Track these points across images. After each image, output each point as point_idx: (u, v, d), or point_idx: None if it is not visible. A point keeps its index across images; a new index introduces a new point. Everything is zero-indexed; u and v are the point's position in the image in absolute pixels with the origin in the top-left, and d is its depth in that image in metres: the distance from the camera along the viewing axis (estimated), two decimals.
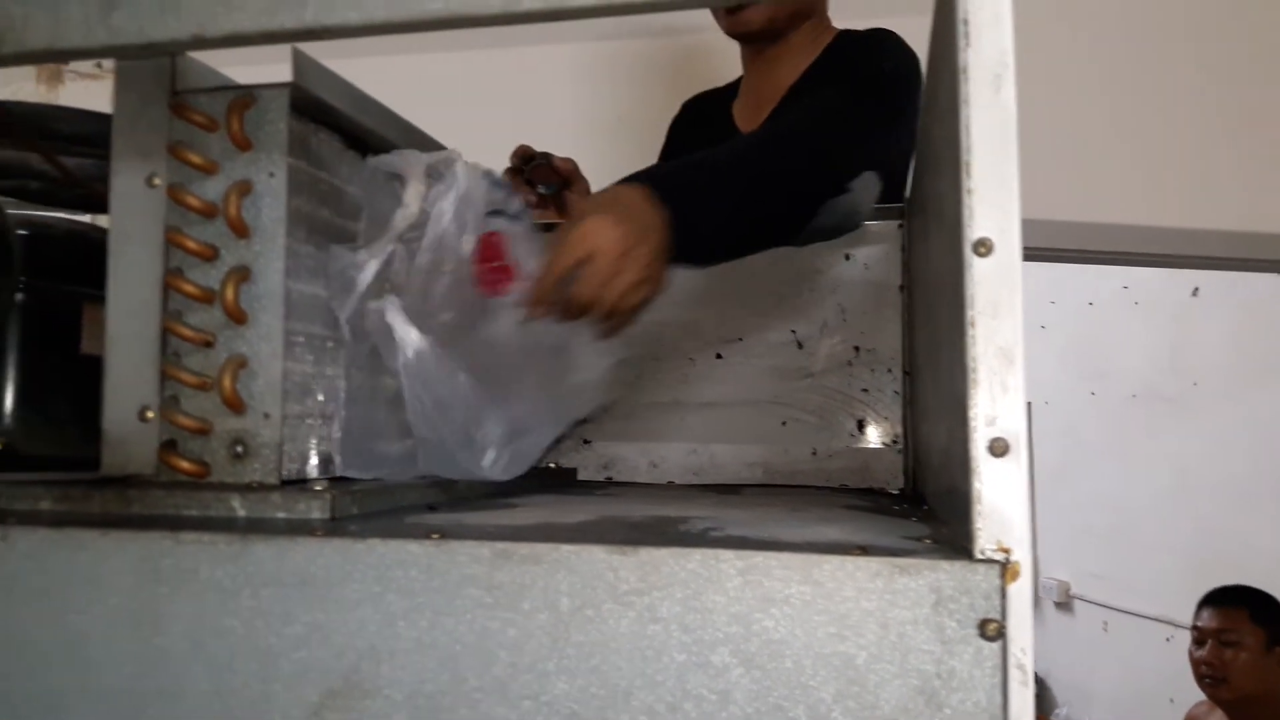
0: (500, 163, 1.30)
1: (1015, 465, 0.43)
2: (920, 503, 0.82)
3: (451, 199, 0.71)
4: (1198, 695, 2.66)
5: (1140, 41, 2.54)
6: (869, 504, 0.78)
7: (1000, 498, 0.43)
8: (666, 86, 2.39)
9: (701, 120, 1.58)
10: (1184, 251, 2.70)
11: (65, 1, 0.54)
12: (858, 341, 1.08)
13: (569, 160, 1.35)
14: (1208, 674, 2.54)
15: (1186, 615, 2.72)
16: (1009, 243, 0.43)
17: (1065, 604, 4.41)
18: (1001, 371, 0.43)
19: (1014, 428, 0.43)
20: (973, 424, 0.43)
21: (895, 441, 1.06)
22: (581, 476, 1.10)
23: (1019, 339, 0.43)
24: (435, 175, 0.73)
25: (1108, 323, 3.81)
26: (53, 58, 0.55)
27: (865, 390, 1.08)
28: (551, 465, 1.08)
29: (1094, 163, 2.35)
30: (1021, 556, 0.43)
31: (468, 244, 0.74)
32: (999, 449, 0.43)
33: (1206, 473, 3.70)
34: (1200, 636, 2.58)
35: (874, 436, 1.07)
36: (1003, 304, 0.43)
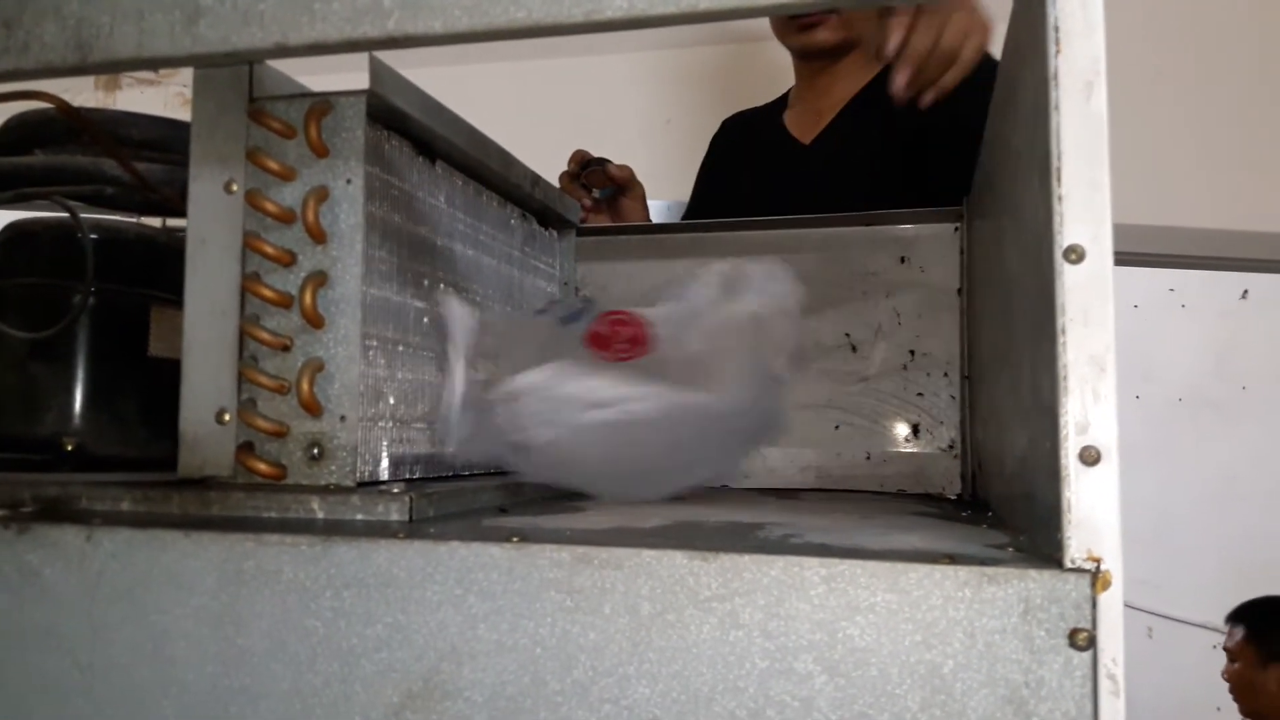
0: (556, 165, 1.32)
1: (1107, 474, 0.43)
2: (983, 509, 0.81)
3: None
4: None
5: (1187, 41, 2.51)
6: (935, 510, 0.77)
7: (1091, 507, 0.43)
8: (710, 92, 2.39)
9: (750, 135, 1.60)
10: (1233, 254, 2.67)
11: (151, 11, 0.55)
12: (913, 345, 1.08)
13: (625, 167, 1.36)
14: (1231, 691, 2.55)
15: None
16: (1101, 250, 0.43)
17: None
18: (1093, 379, 0.43)
19: (1106, 436, 0.43)
20: (1063, 432, 0.43)
21: (952, 446, 1.06)
22: None
23: (1111, 346, 0.43)
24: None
25: (1153, 326, 3.76)
26: (138, 66, 0.56)
27: (920, 394, 1.08)
28: None
29: (1140, 164, 2.33)
30: (1113, 566, 0.42)
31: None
32: (1090, 457, 0.43)
33: (1254, 479, 3.64)
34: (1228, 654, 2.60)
35: (930, 441, 1.07)
36: (1094, 311, 0.43)
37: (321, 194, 0.63)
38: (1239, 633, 2.54)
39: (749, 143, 1.59)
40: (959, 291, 1.06)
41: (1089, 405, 0.43)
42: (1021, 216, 0.54)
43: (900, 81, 1.06)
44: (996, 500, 0.76)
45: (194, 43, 0.55)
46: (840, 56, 1.45)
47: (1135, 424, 4.00)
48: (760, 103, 1.65)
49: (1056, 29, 0.44)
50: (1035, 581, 0.42)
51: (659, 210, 1.90)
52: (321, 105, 0.63)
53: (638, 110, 2.48)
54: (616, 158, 1.38)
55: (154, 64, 0.57)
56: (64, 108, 0.75)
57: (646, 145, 2.29)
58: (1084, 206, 0.43)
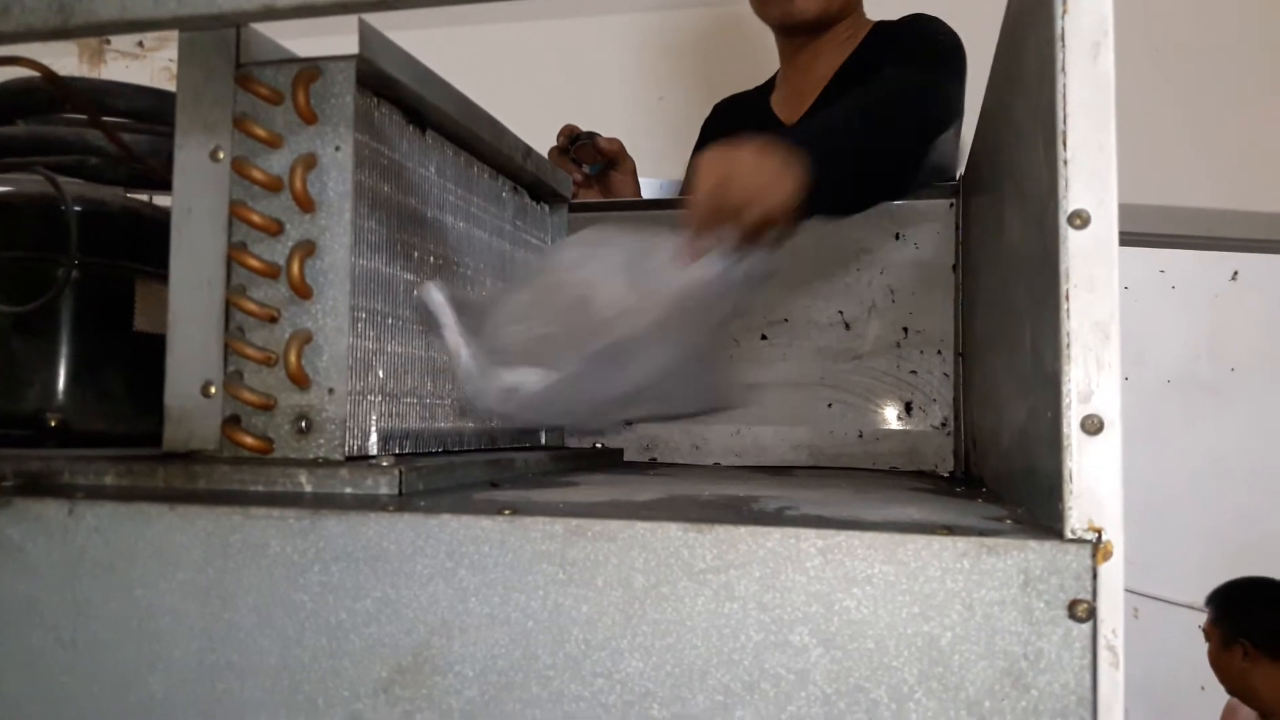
0: (547, 136, 1.30)
1: (1109, 443, 0.42)
2: (977, 485, 0.81)
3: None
4: None
5: (1180, 20, 2.50)
6: (930, 486, 0.77)
7: (1094, 476, 0.42)
8: (704, 68, 2.37)
9: (740, 118, 1.59)
10: (1223, 234, 2.67)
11: None
12: (907, 323, 1.07)
13: (615, 140, 1.34)
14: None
15: None
16: (1106, 215, 0.42)
17: None
18: (1097, 347, 0.42)
19: (1109, 405, 0.42)
20: (1066, 400, 0.42)
21: (945, 424, 1.05)
22: (625, 458, 1.09)
23: (1115, 314, 0.42)
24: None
25: (1144, 307, 3.76)
26: (122, 29, 0.54)
27: (914, 372, 1.07)
28: (597, 445, 1.08)
29: (1130, 143, 2.31)
30: (1114, 536, 0.42)
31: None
32: (1092, 426, 0.42)
33: (1243, 460, 3.66)
34: None
35: (923, 419, 1.06)
36: (1099, 278, 0.42)
37: (309, 161, 0.62)
38: (1210, 615, 2.58)
39: (738, 126, 1.58)
40: (953, 268, 1.05)
41: (1092, 373, 0.42)
42: (1024, 184, 0.54)
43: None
44: (991, 476, 0.75)
45: (179, 4, 0.54)
46: (821, 31, 1.43)
47: (1126, 405, 4.01)
48: (752, 77, 1.63)
49: None
50: (1035, 552, 0.42)
51: (651, 188, 1.89)
52: (310, 71, 0.62)
53: (630, 86, 2.45)
54: (608, 134, 1.37)
55: (138, 26, 0.55)
56: (48, 75, 0.73)
57: (639, 122, 2.27)
58: (1089, 170, 0.42)
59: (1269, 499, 3.53)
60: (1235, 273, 3.65)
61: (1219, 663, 2.52)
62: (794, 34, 1.46)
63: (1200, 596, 2.70)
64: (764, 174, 0.83)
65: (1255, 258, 3.18)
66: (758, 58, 1.63)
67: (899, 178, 1.07)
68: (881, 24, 1.43)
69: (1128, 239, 2.54)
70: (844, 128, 0.97)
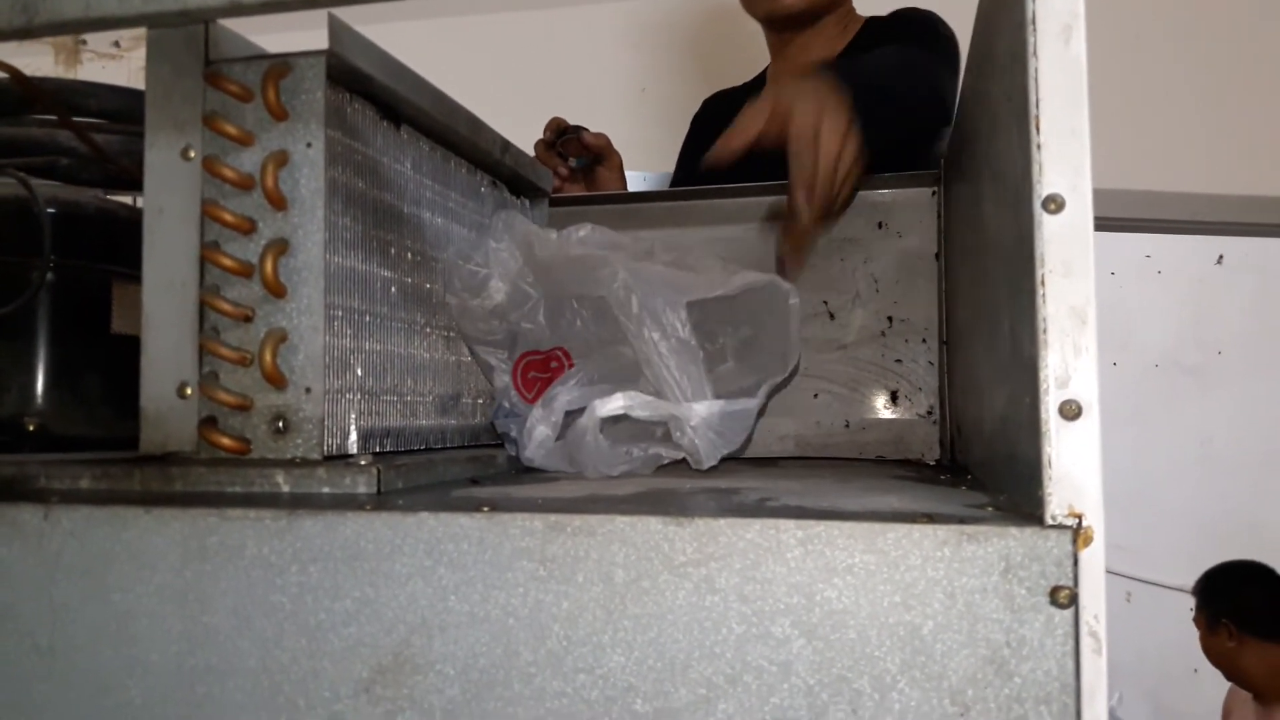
0: (530, 131, 1.29)
1: (1088, 428, 0.42)
2: (963, 473, 0.81)
3: None
4: None
5: (1163, 6, 2.50)
6: (914, 474, 0.77)
7: (1072, 462, 0.42)
8: (687, 60, 2.37)
9: (732, 111, 1.59)
10: (1208, 218, 2.68)
11: None
12: (891, 312, 1.07)
13: (601, 135, 1.34)
14: None
15: None
16: (1080, 199, 0.41)
17: None
18: (1074, 332, 0.42)
19: (1086, 390, 0.42)
20: (1043, 386, 0.42)
21: (930, 412, 1.05)
22: None
23: (1091, 299, 0.42)
24: None
25: (1130, 292, 3.77)
26: (87, 27, 0.53)
27: (899, 361, 1.07)
28: None
29: (1115, 129, 2.32)
30: (1094, 522, 0.42)
31: None
32: (1071, 411, 0.42)
33: (1230, 443, 3.67)
34: None
35: (908, 408, 1.06)
36: (1075, 262, 0.42)
37: (281, 158, 0.61)
38: (1195, 601, 2.61)
39: (731, 119, 1.58)
40: (936, 256, 1.05)
41: (1069, 359, 0.42)
42: (1000, 169, 0.53)
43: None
44: (976, 464, 0.75)
45: (144, 2, 0.53)
46: (809, 24, 1.43)
47: (1112, 389, 4.04)
48: (736, 68, 1.63)
49: None
50: (1016, 539, 0.41)
51: (637, 181, 1.88)
52: (279, 67, 0.61)
53: (614, 78, 2.45)
54: (592, 127, 1.36)
55: (103, 24, 0.54)
56: (16, 75, 0.73)
57: (623, 115, 2.26)
58: (1062, 155, 0.42)
59: (1256, 481, 3.55)
60: (1220, 256, 3.67)
61: (1208, 647, 2.54)
62: (782, 27, 1.45)
63: (1190, 579, 2.72)
64: (832, 103, 0.83)
65: (1240, 241, 3.19)
66: (742, 47, 1.62)
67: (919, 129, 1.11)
68: (874, 19, 1.43)
69: (1114, 224, 2.54)
70: (871, 69, 0.99)
